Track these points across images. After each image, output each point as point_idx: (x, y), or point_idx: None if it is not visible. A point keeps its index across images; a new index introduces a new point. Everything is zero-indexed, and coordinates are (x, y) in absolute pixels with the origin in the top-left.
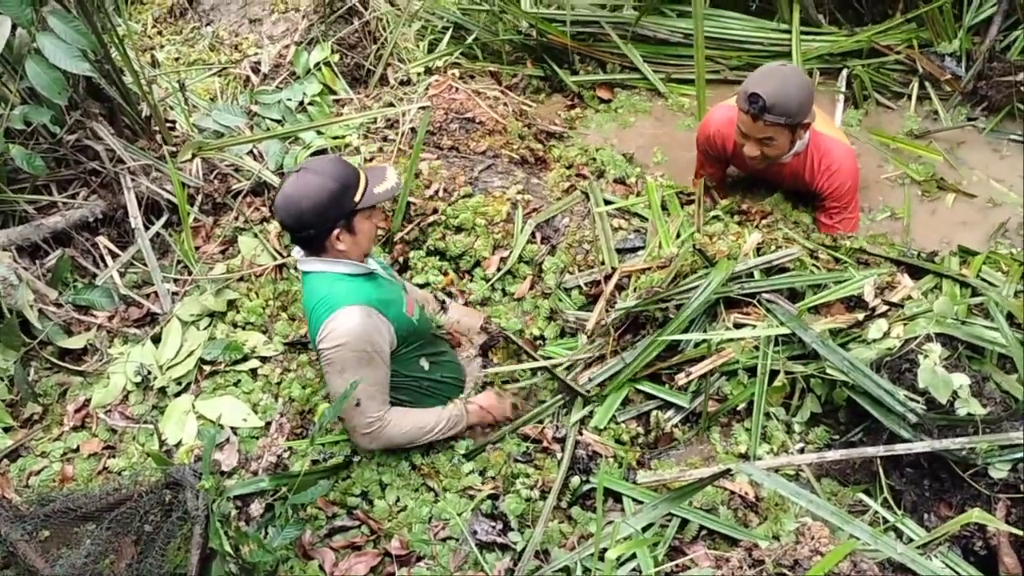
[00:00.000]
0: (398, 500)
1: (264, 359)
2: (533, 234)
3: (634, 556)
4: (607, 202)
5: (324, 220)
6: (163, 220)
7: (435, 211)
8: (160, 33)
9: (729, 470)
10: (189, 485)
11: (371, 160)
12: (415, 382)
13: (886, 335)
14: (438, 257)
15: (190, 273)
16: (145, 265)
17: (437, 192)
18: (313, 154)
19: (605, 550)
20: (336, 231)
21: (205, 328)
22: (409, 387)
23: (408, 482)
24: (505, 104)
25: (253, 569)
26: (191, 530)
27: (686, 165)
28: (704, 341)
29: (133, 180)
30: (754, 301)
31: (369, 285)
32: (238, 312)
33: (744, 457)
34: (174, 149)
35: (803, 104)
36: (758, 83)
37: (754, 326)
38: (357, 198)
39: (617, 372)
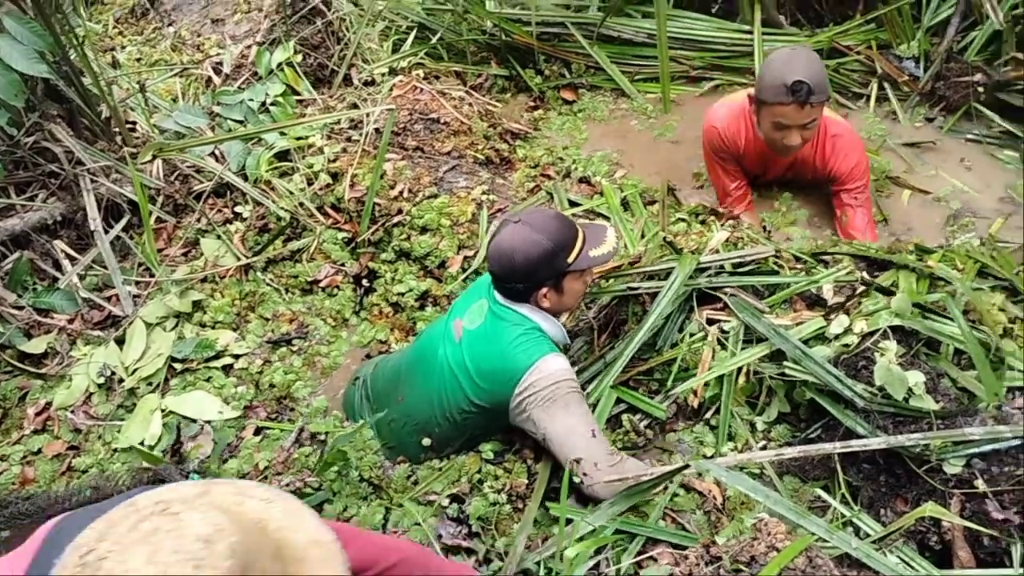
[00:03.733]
0: (346, 508)
1: (237, 356)
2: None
3: (599, 552)
4: (572, 203)
5: (534, 277)
6: (124, 222)
7: (400, 212)
8: (121, 34)
9: (687, 466)
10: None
11: (334, 161)
12: None
13: (847, 330)
14: (407, 261)
15: (152, 275)
16: (106, 268)
17: (402, 193)
18: (276, 155)
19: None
20: (544, 289)
21: (172, 329)
22: None
23: (357, 490)
24: (470, 104)
25: None
26: None
27: (649, 164)
28: (679, 343)
29: (93, 182)
30: (726, 298)
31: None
32: (205, 312)
33: (708, 458)
34: (134, 150)
35: (826, 76)
36: (793, 70)
37: (727, 322)
38: (571, 259)
39: (598, 375)
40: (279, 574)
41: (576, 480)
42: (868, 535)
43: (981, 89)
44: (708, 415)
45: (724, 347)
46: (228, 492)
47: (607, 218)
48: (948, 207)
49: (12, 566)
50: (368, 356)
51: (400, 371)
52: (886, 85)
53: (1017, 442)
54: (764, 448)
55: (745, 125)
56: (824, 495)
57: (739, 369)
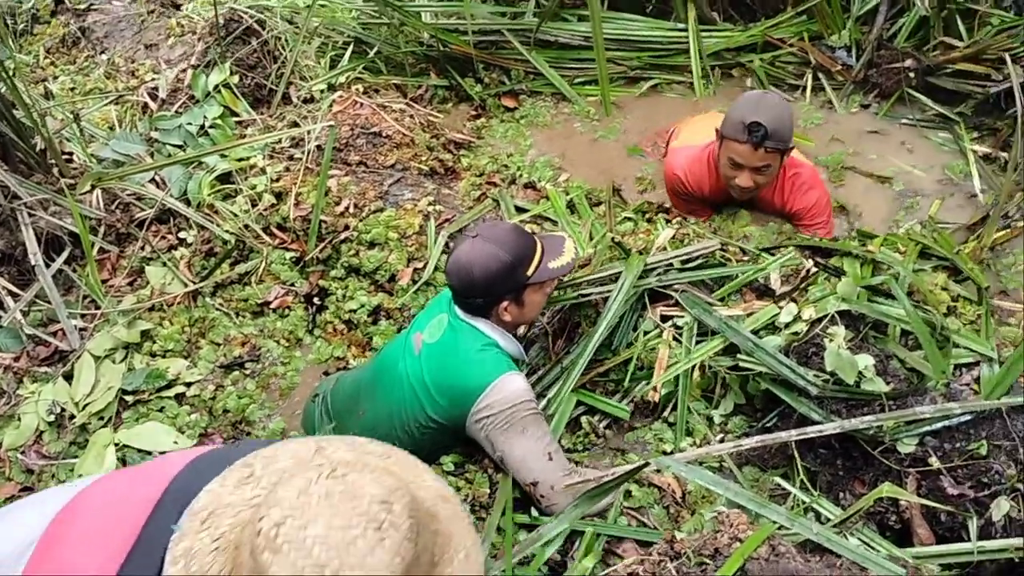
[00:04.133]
0: None
1: (189, 383)
2: (447, 244)
3: (564, 555)
4: (519, 208)
5: (493, 292)
6: (65, 255)
7: (347, 227)
8: (53, 64)
9: (647, 464)
10: None
11: (277, 180)
12: None
13: (796, 318)
14: (357, 276)
15: (98, 307)
16: (49, 303)
17: (348, 208)
18: (218, 178)
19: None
20: (504, 303)
21: (121, 360)
22: None
23: None
24: (411, 116)
25: None
26: None
27: (594, 166)
28: (634, 342)
29: (31, 215)
30: (677, 295)
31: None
32: (154, 342)
33: (667, 454)
34: (72, 181)
35: (791, 127)
36: (754, 112)
37: (680, 318)
38: (530, 272)
39: (557, 380)
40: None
41: (535, 502)
42: (829, 519)
43: (912, 74)
44: (666, 412)
45: (679, 342)
46: (345, 448)
47: (555, 222)
48: (892, 189)
49: (110, 538)
50: (327, 373)
51: (360, 385)
52: (820, 75)
53: (967, 417)
54: (722, 441)
55: (708, 169)
56: (783, 483)
57: (694, 365)
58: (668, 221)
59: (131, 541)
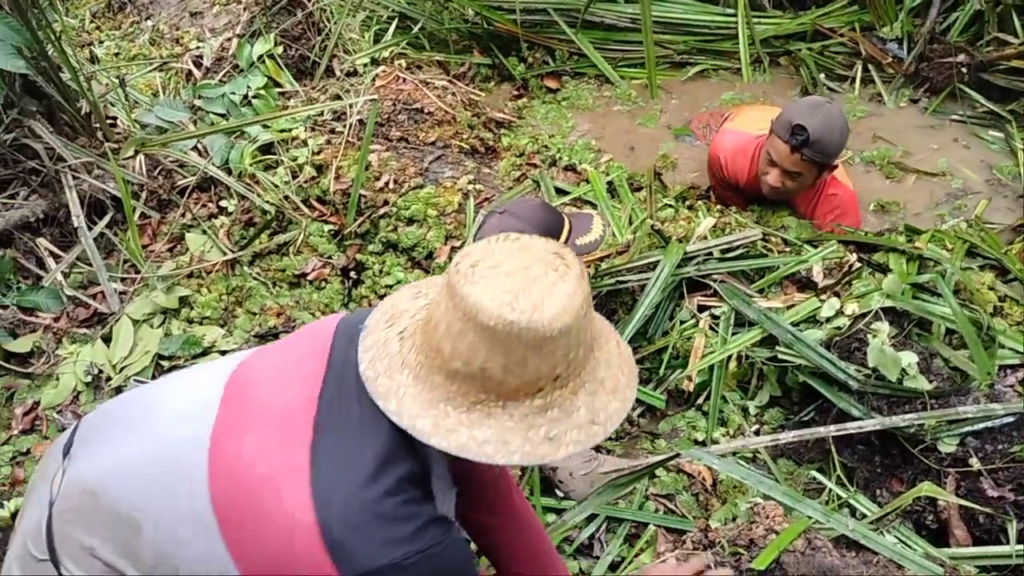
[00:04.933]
0: None
1: (224, 352)
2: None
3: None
4: (559, 190)
5: None
6: (107, 219)
7: (386, 203)
8: (99, 28)
9: (676, 455)
10: None
11: (318, 153)
12: None
13: (839, 313)
14: (394, 252)
15: (138, 272)
16: (90, 265)
17: (387, 184)
18: (260, 148)
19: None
20: None
21: (159, 326)
22: None
23: None
24: (453, 94)
25: None
26: None
27: (635, 150)
28: (669, 331)
29: (75, 178)
30: (715, 284)
31: None
32: (192, 308)
33: (700, 443)
34: (116, 146)
35: (840, 146)
36: (804, 116)
37: (718, 308)
38: None
39: None
40: None
41: (554, 486)
42: (865, 516)
43: (964, 70)
44: (700, 401)
45: (715, 332)
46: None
47: (595, 205)
48: (939, 187)
49: (300, 373)
50: None
51: None
52: (870, 67)
53: (1010, 419)
54: (757, 432)
55: (751, 162)
56: (820, 477)
57: (730, 356)
58: (709, 209)
59: (321, 370)
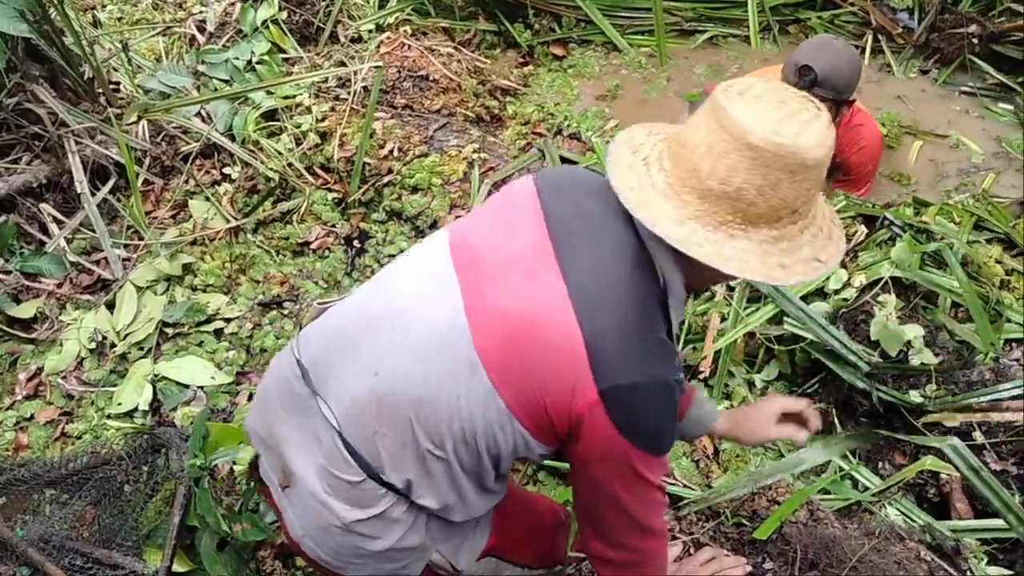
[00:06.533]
0: None
1: (228, 319)
2: (490, 193)
3: None
4: (564, 160)
5: None
6: (110, 184)
7: (390, 171)
8: None
9: None
10: (175, 446)
11: (322, 120)
12: None
13: (847, 284)
14: (398, 221)
15: (141, 238)
16: (93, 231)
17: (392, 152)
18: (264, 115)
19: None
20: None
21: (162, 292)
22: None
23: None
24: (459, 61)
25: (243, 546)
26: (173, 490)
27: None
28: None
29: (77, 144)
30: None
31: None
32: (195, 275)
33: None
34: (119, 111)
35: (852, 81)
36: (810, 55)
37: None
38: None
39: None
40: None
41: None
42: (867, 488)
43: (975, 41)
44: (706, 373)
45: (729, 304)
46: None
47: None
48: (945, 160)
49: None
50: None
51: None
52: (880, 37)
53: (1017, 391)
54: None
55: None
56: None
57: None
58: None
59: (540, 218)
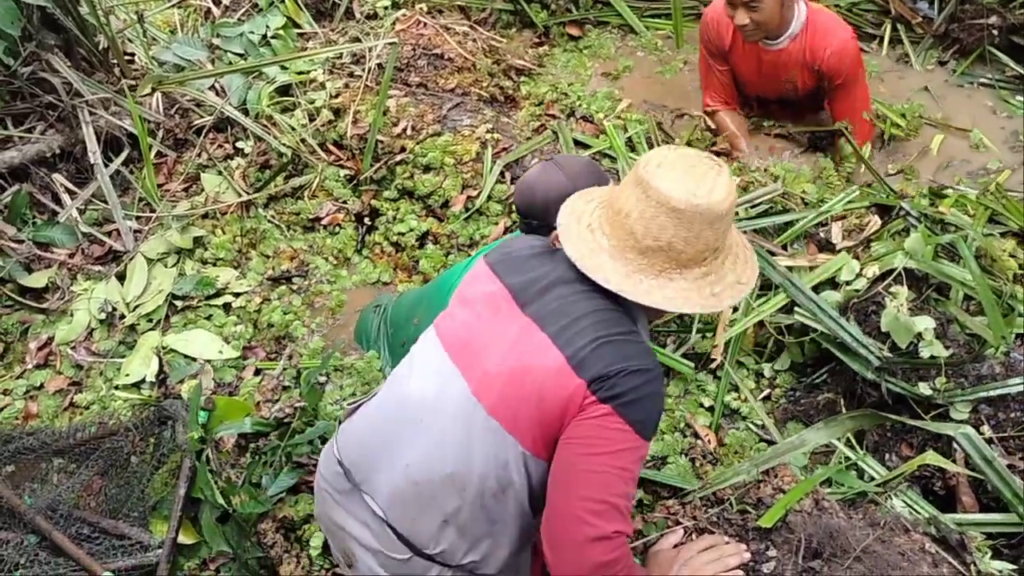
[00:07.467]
0: None
1: (237, 294)
2: (502, 174)
3: None
4: (577, 142)
5: (548, 217)
6: (123, 156)
7: (403, 149)
8: None
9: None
10: (181, 419)
11: (336, 96)
12: None
13: (859, 275)
14: (409, 199)
15: (153, 210)
16: (106, 202)
17: (405, 130)
18: (278, 90)
19: None
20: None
21: (173, 265)
22: None
23: None
24: (474, 40)
25: (244, 519)
26: (179, 462)
27: (658, 100)
28: None
29: (91, 114)
30: None
31: None
32: (206, 249)
33: (708, 409)
34: (133, 83)
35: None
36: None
37: None
38: None
39: None
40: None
41: None
42: (873, 479)
43: (996, 32)
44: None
45: None
46: None
47: (613, 159)
48: (960, 154)
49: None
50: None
51: (421, 297)
52: (899, 27)
53: None
54: (768, 397)
55: (732, 24)
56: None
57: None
58: (731, 167)
59: (505, 291)
